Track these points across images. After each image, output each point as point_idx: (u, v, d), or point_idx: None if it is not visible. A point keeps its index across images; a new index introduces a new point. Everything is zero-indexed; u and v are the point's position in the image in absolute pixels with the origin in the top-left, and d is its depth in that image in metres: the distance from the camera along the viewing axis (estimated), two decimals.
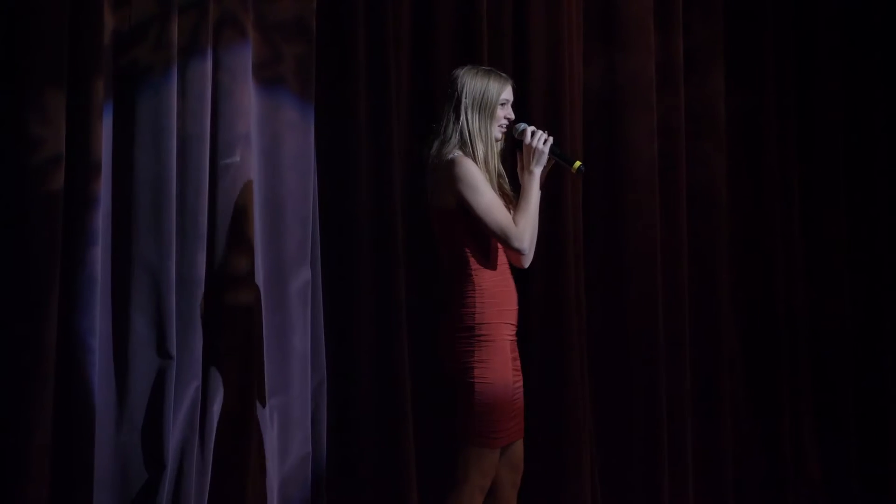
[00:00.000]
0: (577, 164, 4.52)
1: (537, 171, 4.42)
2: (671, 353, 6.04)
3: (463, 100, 4.38)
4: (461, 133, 4.37)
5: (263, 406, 5.07)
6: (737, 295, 6.38)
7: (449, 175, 4.32)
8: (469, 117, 4.37)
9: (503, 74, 4.48)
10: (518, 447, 4.46)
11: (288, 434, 5.16)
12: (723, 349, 6.24)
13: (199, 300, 4.95)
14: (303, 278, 5.18)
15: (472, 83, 4.40)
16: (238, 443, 4.97)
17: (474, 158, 4.35)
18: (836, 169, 6.66)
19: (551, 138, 4.46)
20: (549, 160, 4.46)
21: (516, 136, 4.49)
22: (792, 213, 6.54)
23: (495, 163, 4.42)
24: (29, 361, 4.61)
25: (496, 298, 4.36)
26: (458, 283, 4.36)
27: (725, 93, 6.34)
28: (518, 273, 4.50)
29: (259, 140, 5.16)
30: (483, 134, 4.38)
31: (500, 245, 4.40)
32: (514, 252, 4.38)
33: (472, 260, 4.35)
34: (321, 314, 5.26)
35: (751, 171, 6.46)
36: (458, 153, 4.35)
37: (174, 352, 4.87)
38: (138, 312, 4.87)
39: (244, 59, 5.08)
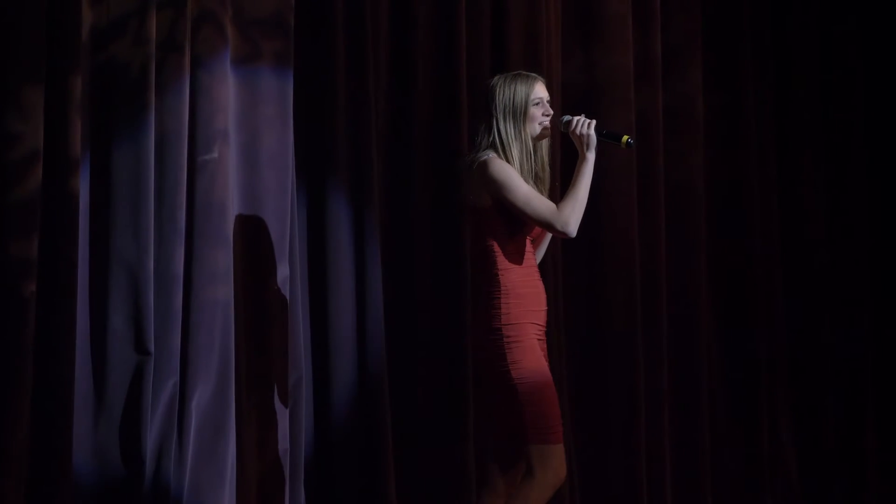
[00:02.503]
0: (625, 138, 4.53)
1: (591, 157, 4.43)
2: (649, 352, 6.05)
3: (494, 109, 4.43)
4: (495, 139, 4.41)
5: (241, 402, 5.07)
6: (715, 292, 6.40)
7: (482, 175, 4.36)
8: (501, 123, 4.42)
9: (531, 74, 4.53)
10: (561, 447, 4.42)
11: (266, 430, 5.16)
12: (701, 347, 6.25)
13: (177, 297, 4.94)
14: (281, 275, 5.17)
15: (501, 90, 4.45)
16: (216, 439, 4.97)
17: (509, 160, 4.40)
18: (814, 166, 6.69)
19: (594, 121, 4.48)
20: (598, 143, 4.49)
21: (562, 129, 4.53)
22: (770, 210, 6.57)
23: (535, 161, 4.46)
24: (6, 358, 4.59)
25: (522, 299, 4.39)
26: (485, 284, 4.40)
27: (703, 89, 6.36)
28: None
29: (237, 136, 5.15)
30: (519, 136, 4.42)
31: (528, 247, 4.45)
32: (559, 235, 4.40)
33: (498, 260, 4.38)
34: (299, 311, 5.26)
35: (729, 167, 6.48)
36: (490, 154, 4.40)
37: (152, 348, 4.86)
38: (116, 309, 4.86)
39: (222, 55, 5.07)
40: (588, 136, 4.44)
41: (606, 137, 4.51)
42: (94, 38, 4.89)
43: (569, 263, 5.95)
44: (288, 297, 5.19)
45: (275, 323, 5.17)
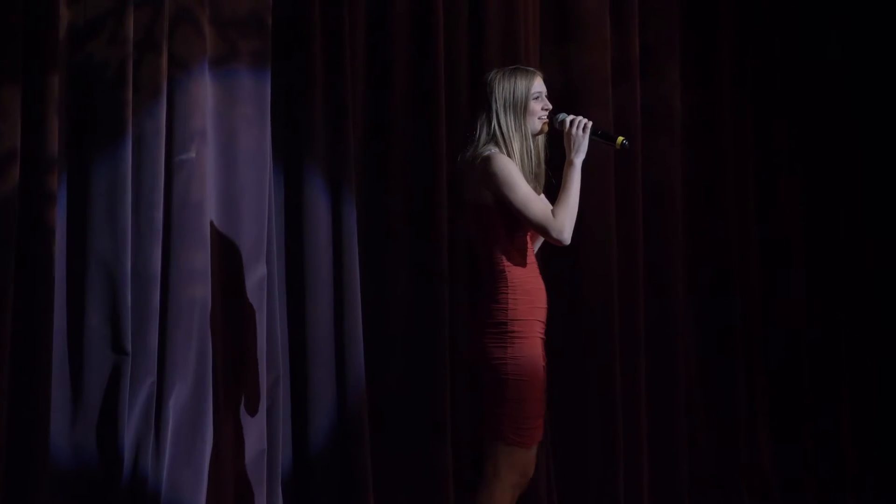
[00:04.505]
0: (620, 139, 4.50)
1: (577, 162, 4.41)
2: (626, 352, 6.06)
3: (493, 102, 4.40)
4: (495, 133, 4.38)
5: (219, 402, 5.07)
6: (692, 292, 6.41)
7: (484, 171, 4.33)
8: (502, 117, 4.39)
9: (530, 69, 4.52)
10: (533, 450, 4.40)
11: (244, 430, 5.16)
12: (678, 347, 6.27)
13: (155, 296, 4.94)
14: (259, 274, 5.18)
15: (501, 84, 4.42)
16: (193, 438, 4.97)
17: (510, 155, 4.37)
18: (791, 164, 6.70)
19: (590, 123, 4.46)
20: (590, 144, 4.46)
21: (557, 127, 4.49)
22: (747, 210, 6.58)
23: (534, 156, 4.43)
24: None
25: (528, 295, 4.36)
26: (490, 280, 4.36)
27: (681, 88, 6.37)
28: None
29: (215, 136, 5.15)
30: (519, 130, 4.39)
31: (530, 243, 4.44)
32: (553, 242, 4.39)
33: (504, 256, 4.35)
34: (277, 310, 5.26)
35: (706, 166, 6.49)
36: (493, 150, 4.37)
37: (129, 348, 4.86)
38: (93, 308, 4.86)
39: (200, 54, 5.07)
40: (581, 140, 4.43)
41: (602, 138, 4.49)
42: (71, 38, 4.89)
43: (546, 260, 5.94)
44: (265, 297, 5.20)
45: (252, 323, 5.17)
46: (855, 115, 6.86)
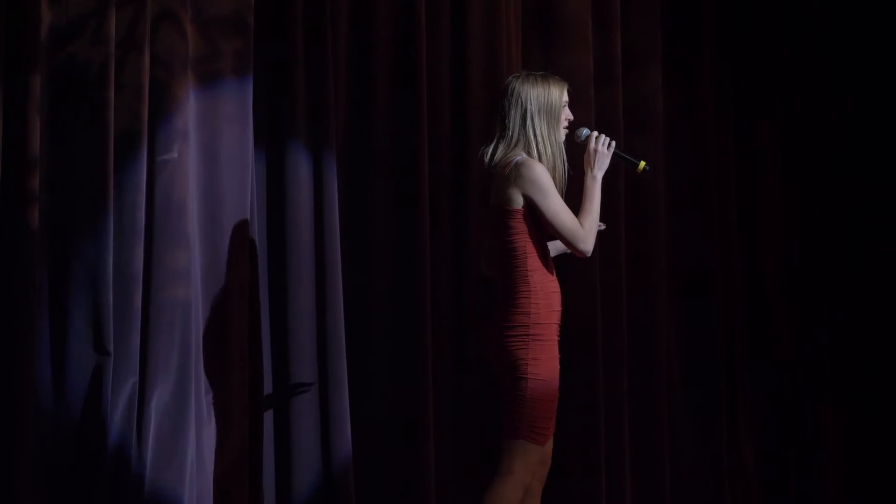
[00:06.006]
0: (643, 164, 4.67)
1: (600, 175, 4.58)
2: (608, 349, 6.07)
3: (528, 106, 4.49)
4: (528, 138, 4.48)
5: (201, 402, 5.07)
6: (673, 290, 6.42)
7: (518, 176, 4.42)
8: (536, 123, 4.49)
9: (559, 77, 4.62)
10: (550, 443, 4.57)
11: (225, 430, 5.15)
12: (660, 346, 6.28)
13: (137, 296, 4.93)
14: (241, 274, 5.17)
15: (535, 90, 4.51)
16: (176, 439, 4.97)
17: (543, 162, 4.46)
18: (773, 165, 6.72)
19: (614, 142, 4.60)
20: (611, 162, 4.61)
21: (579, 141, 4.63)
22: (729, 210, 6.59)
23: (561, 164, 4.52)
24: None
25: (548, 299, 4.49)
26: (512, 283, 4.47)
27: (663, 89, 6.38)
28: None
29: (197, 136, 5.15)
30: (551, 137, 4.50)
31: (549, 247, 4.53)
32: (578, 253, 4.52)
33: (529, 260, 4.45)
34: (259, 310, 5.26)
35: (688, 166, 6.50)
36: (524, 155, 4.45)
37: (111, 348, 4.85)
38: (75, 309, 4.85)
39: (182, 54, 5.07)
40: (605, 156, 4.56)
41: (624, 159, 4.63)
42: (52, 37, 4.88)
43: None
44: (248, 297, 5.19)
45: (235, 322, 5.17)
46: (837, 114, 6.88)
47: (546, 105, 4.50)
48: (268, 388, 5.29)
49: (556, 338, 4.52)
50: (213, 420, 5.14)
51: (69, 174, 4.89)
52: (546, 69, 5.99)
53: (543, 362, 4.44)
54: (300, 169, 5.36)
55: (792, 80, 6.78)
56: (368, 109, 5.60)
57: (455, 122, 5.77)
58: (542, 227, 4.46)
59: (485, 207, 4.58)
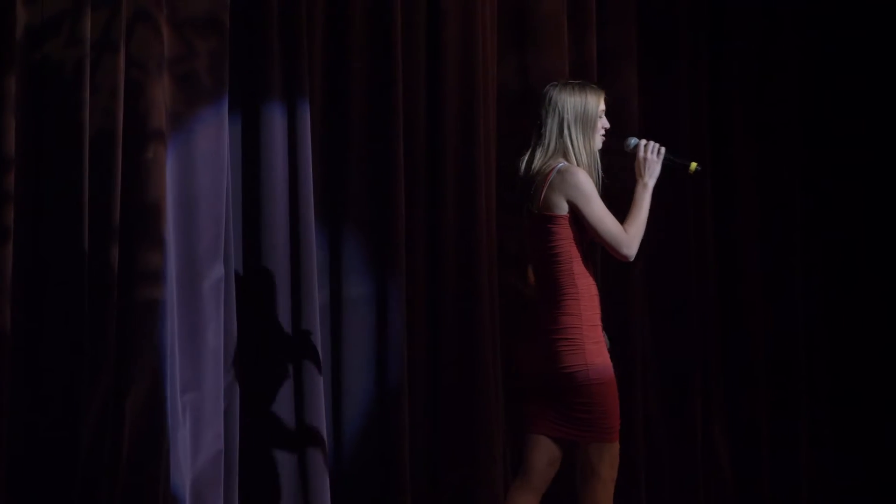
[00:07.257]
0: (694, 165, 4.72)
1: (651, 184, 4.63)
2: None
3: (565, 115, 4.52)
4: (565, 146, 4.51)
5: (175, 403, 5.07)
6: (649, 295, 6.43)
7: (562, 182, 4.45)
8: (573, 132, 4.52)
9: (596, 85, 4.65)
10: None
11: (200, 431, 5.16)
12: (635, 348, 6.29)
13: (112, 297, 4.93)
14: (216, 275, 5.18)
15: (573, 99, 4.54)
16: (150, 440, 4.96)
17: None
18: (749, 167, 6.74)
19: (664, 148, 4.63)
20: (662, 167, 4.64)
21: (628, 150, 4.68)
22: (704, 213, 6.61)
23: (595, 173, 4.55)
24: None
25: (593, 301, 4.52)
26: (560, 287, 4.48)
27: (638, 91, 6.39)
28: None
29: (172, 136, 5.15)
30: (587, 146, 4.54)
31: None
32: (620, 257, 4.53)
33: (574, 264, 4.48)
34: (234, 311, 5.26)
35: (663, 168, 6.50)
36: (564, 162, 4.49)
37: (86, 349, 4.85)
38: (50, 309, 4.85)
39: (157, 54, 5.07)
40: (655, 163, 4.60)
41: (674, 164, 4.67)
42: (28, 38, 4.88)
43: (504, 265, 5.96)
44: (223, 298, 5.20)
45: (209, 324, 5.17)
46: (814, 118, 6.90)
47: (583, 114, 4.54)
48: (242, 389, 5.29)
49: (602, 339, 4.54)
50: (188, 421, 5.14)
51: (43, 174, 4.88)
52: (522, 72, 6.05)
53: (600, 363, 4.45)
54: (276, 168, 5.36)
55: (768, 82, 6.79)
56: (345, 112, 5.60)
57: (430, 128, 5.77)
58: (585, 232, 4.49)
59: (525, 216, 4.58)
